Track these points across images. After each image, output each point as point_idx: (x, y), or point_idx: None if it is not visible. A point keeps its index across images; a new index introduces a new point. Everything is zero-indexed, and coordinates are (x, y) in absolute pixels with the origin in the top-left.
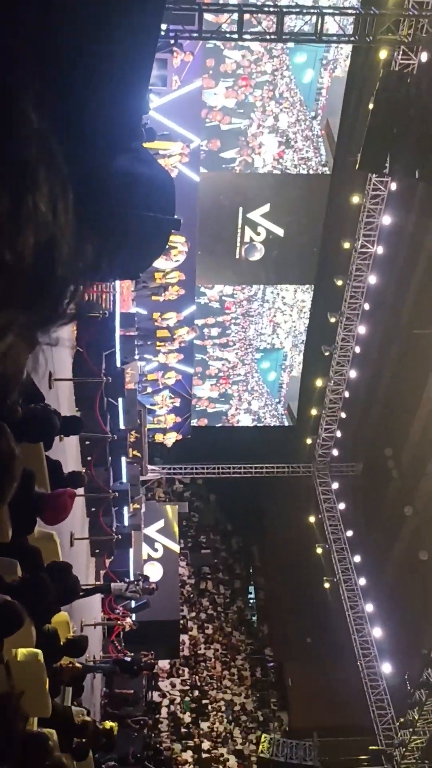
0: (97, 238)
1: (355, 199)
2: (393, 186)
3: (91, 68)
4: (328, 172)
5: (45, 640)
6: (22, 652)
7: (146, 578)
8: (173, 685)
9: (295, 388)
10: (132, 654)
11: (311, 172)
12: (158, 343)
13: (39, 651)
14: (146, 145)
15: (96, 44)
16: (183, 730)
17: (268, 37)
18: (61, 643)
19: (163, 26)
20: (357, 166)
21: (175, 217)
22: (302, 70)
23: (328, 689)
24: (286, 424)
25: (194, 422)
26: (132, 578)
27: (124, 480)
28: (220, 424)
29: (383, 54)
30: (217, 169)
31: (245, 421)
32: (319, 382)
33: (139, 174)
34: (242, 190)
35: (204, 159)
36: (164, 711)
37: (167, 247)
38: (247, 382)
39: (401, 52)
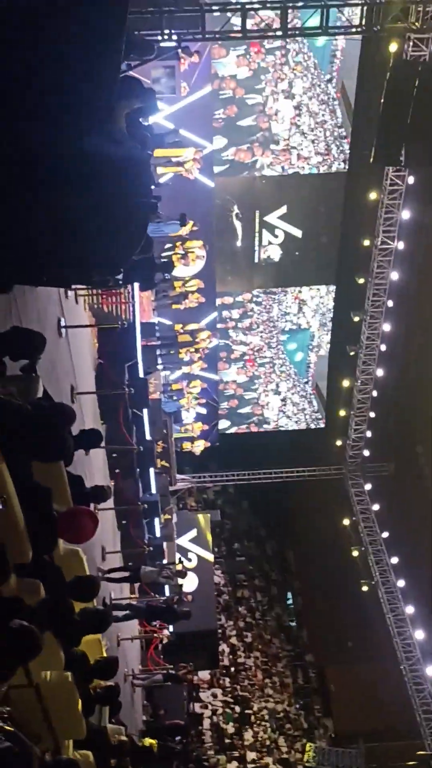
0: (73, 224)
1: (373, 195)
2: (411, 179)
3: (56, 51)
4: (344, 169)
5: (74, 663)
6: (51, 674)
7: (177, 563)
8: (215, 696)
9: (324, 367)
10: (171, 666)
11: (328, 137)
12: (181, 351)
13: (68, 673)
14: (158, 152)
15: (62, 26)
16: (227, 740)
17: (272, 33)
18: (91, 664)
19: (167, 31)
20: (371, 160)
21: (153, 200)
22: None
23: (372, 693)
24: (315, 404)
25: (224, 405)
26: (165, 562)
27: (154, 491)
28: (247, 425)
29: (393, 47)
30: (236, 142)
31: (274, 402)
32: (346, 383)
33: (112, 153)
34: (258, 193)
35: (222, 127)
36: (207, 722)
37: (183, 252)
38: (273, 364)
39: (412, 44)
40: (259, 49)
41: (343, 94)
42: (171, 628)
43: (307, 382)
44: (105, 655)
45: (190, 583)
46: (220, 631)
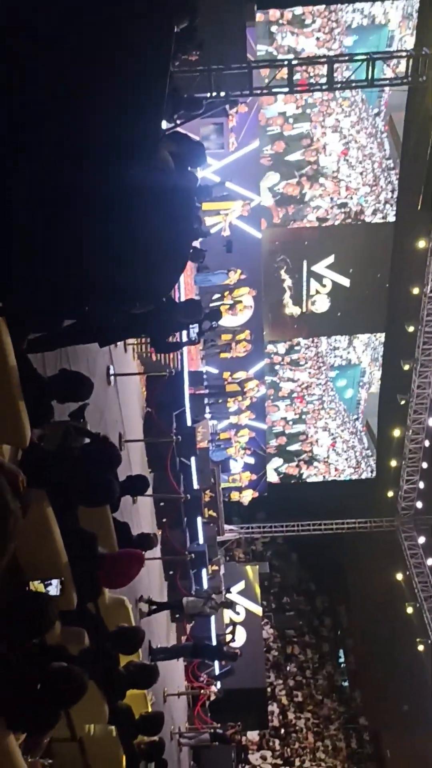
0: (119, 254)
1: (421, 244)
2: None
3: (98, 87)
4: (392, 198)
5: (118, 717)
6: (95, 728)
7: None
8: (264, 759)
9: (374, 405)
10: (219, 725)
11: (376, 169)
12: (229, 401)
13: (113, 727)
14: (206, 205)
15: (105, 61)
16: None
17: (319, 87)
18: (136, 718)
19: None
20: (419, 207)
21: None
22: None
23: (430, 761)
24: (365, 441)
25: (273, 442)
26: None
27: (201, 541)
28: (297, 463)
29: None
30: (286, 176)
31: (323, 440)
32: (397, 432)
33: (157, 181)
34: (305, 243)
35: (270, 164)
36: None
37: (231, 302)
38: (322, 401)
39: None
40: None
41: (390, 127)
42: (219, 684)
43: (357, 419)
44: (150, 709)
45: (238, 638)
46: (269, 689)
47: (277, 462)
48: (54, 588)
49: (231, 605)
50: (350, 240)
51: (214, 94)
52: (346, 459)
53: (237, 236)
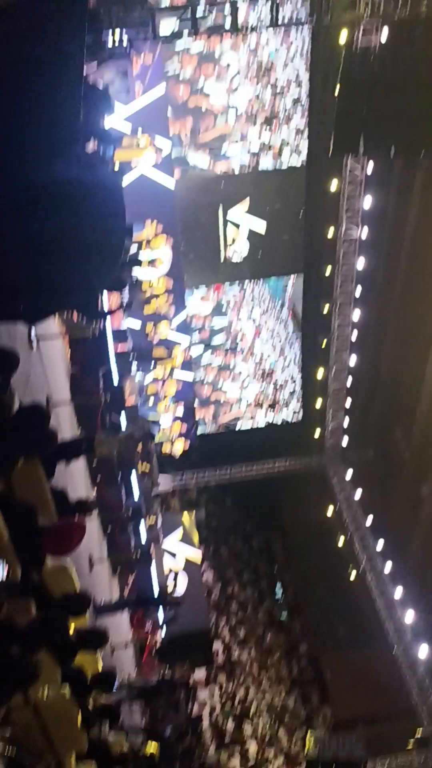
0: (47, 251)
1: (334, 186)
2: (369, 168)
3: (11, 76)
4: (302, 161)
5: (72, 677)
6: (49, 691)
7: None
8: (212, 694)
9: (299, 289)
10: (167, 669)
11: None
12: (157, 365)
13: (66, 687)
14: (118, 154)
15: (17, 51)
16: (227, 738)
17: (224, 30)
18: (89, 677)
19: (117, 36)
20: (331, 151)
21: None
22: None
23: (368, 678)
24: (291, 328)
25: (195, 336)
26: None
27: (137, 495)
28: (225, 352)
29: (343, 38)
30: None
31: (248, 329)
32: (320, 373)
33: (81, 179)
34: (219, 190)
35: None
36: (206, 721)
37: (150, 260)
38: (243, 289)
39: (361, 33)
40: None
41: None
42: (164, 630)
43: (282, 306)
44: (101, 665)
45: (180, 584)
46: (212, 629)
47: (197, 350)
48: None
49: (152, 437)
50: (264, 185)
51: (117, 37)
52: (272, 346)
53: (150, 187)
